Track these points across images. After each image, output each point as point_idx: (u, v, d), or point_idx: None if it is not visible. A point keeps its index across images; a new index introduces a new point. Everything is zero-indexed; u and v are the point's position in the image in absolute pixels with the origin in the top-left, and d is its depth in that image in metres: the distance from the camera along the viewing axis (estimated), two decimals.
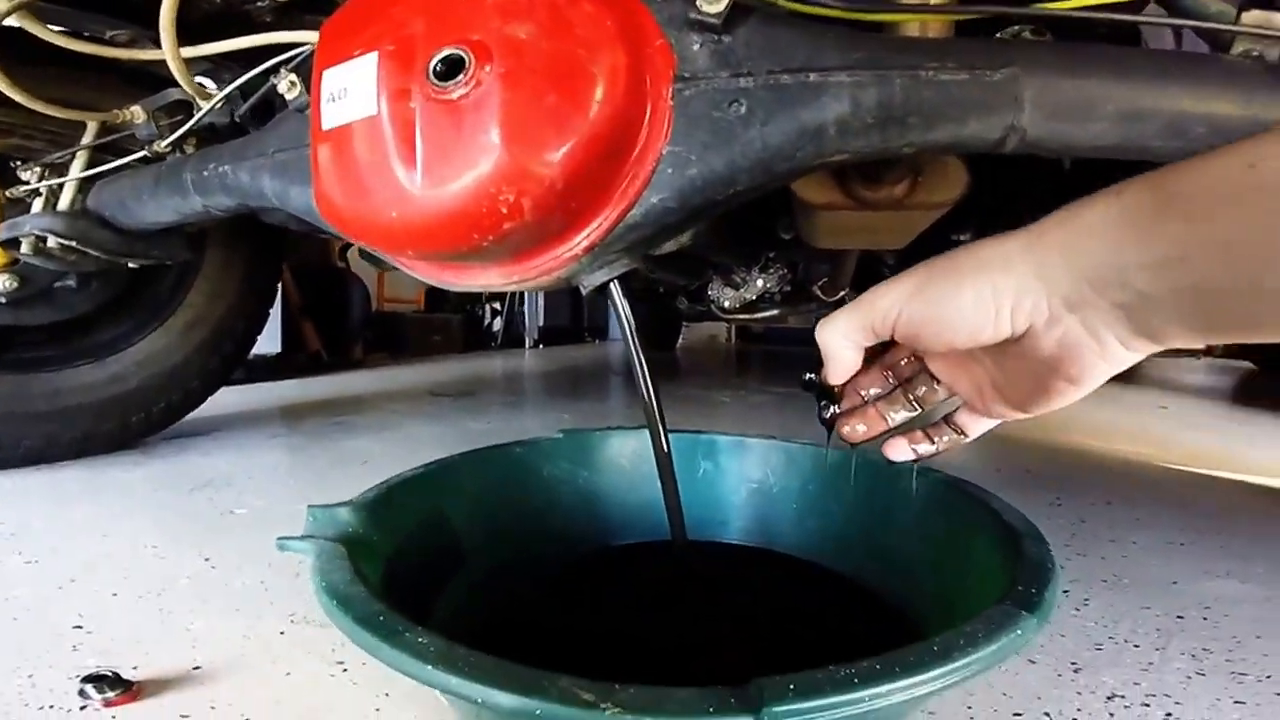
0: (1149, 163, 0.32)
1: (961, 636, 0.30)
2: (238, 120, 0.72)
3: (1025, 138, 0.45)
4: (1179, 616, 0.65)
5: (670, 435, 0.55)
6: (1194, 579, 0.74)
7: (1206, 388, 2.88)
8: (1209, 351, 4.72)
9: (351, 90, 0.42)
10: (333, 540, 0.42)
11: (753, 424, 1.68)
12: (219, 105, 0.69)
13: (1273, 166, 0.24)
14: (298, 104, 0.58)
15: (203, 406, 1.34)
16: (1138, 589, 0.71)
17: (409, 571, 0.49)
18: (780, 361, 3.50)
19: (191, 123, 0.71)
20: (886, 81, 0.44)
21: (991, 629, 0.31)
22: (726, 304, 1.28)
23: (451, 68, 0.40)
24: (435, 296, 3.93)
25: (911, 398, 0.41)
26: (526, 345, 4.05)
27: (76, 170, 0.87)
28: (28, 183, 0.90)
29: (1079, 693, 0.51)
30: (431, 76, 0.40)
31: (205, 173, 0.68)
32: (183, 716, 0.46)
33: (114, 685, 0.48)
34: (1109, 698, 0.50)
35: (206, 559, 0.74)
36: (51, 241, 0.83)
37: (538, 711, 0.27)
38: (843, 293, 1.25)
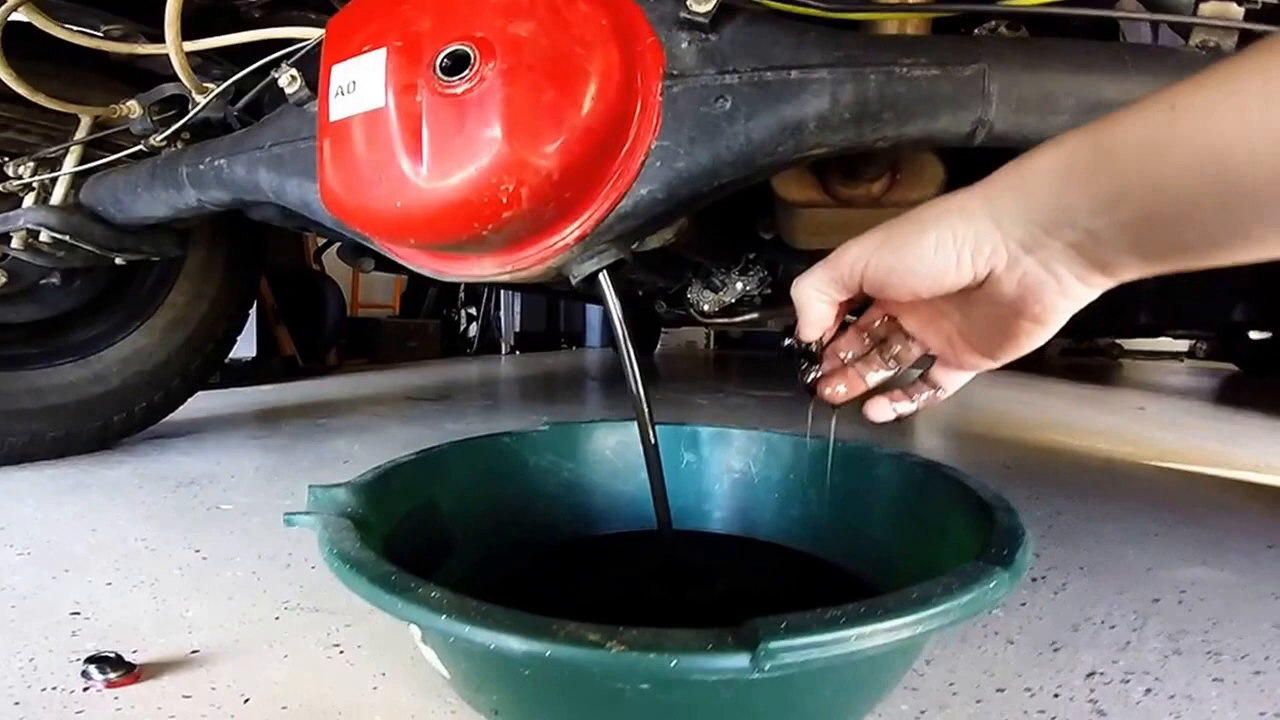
0: None
1: (939, 586, 0.32)
2: (235, 115, 0.73)
3: (993, 131, 0.48)
4: (1155, 600, 0.67)
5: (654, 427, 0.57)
6: (1169, 566, 0.76)
7: (1187, 389, 2.93)
8: (1191, 354, 4.83)
9: (360, 84, 0.44)
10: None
11: (731, 424, 1.70)
12: (214, 100, 0.70)
13: (1187, 104, 0.26)
14: (297, 98, 0.59)
15: (181, 409, 1.34)
16: (1114, 575, 0.73)
17: (403, 554, 0.51)
18: (759, 367, 3.53)
19: (188, 117, 0.72)
20: (863, 78, 0.47)
21: (967, 581, 0.33)
22: (706, 307, 1.29)
23: (457, 63, 0.42)
24: (409, 301, 3.91)
25: (887, 357, 0.43)
26: (503, 351, 4.04)
27: (70, 165, 0.87)
28: (19, 177, 0.90)
29: (1059, 670, 0.52)
30: (438, 71, 0.42)
31: (201, 166, 0.69)
32: (184, 697, 0.47)
33: (116, 667, 0.49)
34: (1088, 675, 0.52)
35: (197, 550, 0.74)
36: (44, 236, 0.84)
37: (548, 653, 0.28)
38: None
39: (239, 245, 1.34)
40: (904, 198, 0.67)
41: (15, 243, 0.88)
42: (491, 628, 0.30)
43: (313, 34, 0.65)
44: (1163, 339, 4.56)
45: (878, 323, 0.44)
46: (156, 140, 0.76)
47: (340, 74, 0.45)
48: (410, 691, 0.48)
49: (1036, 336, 0.35)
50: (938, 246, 0.34)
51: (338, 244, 1.33)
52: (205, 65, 0.82)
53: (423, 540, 0.54)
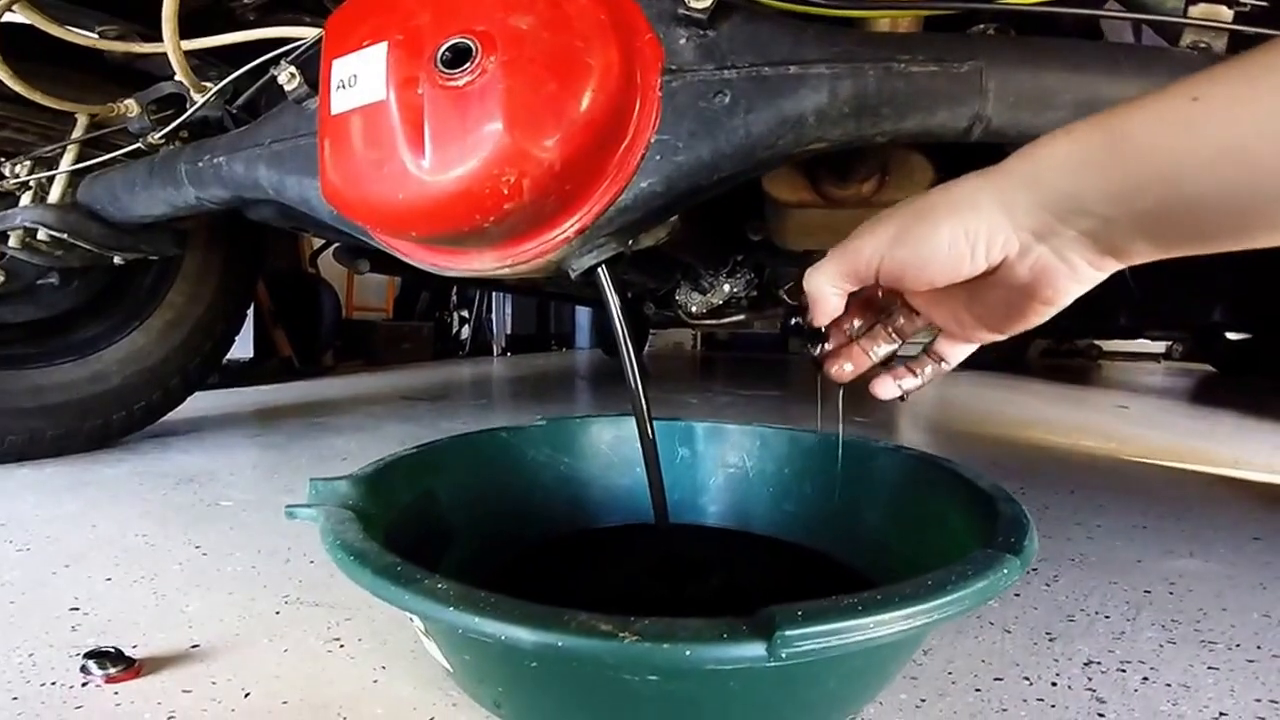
0: None
1: (953, 574, 0.32)
2: (234, 113, 0.73)
3: (989, 126, 0.48)
4: (1146, 591, 0.68)
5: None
6: (1158, 558, 0.77)
7: (1165, 389, 2.96)
8: (1168, 355, 4.88)
9: (361, 78, 0.44)
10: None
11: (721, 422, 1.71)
12: (213, 98, 0.70)
13: (1212, 97, 0.27)
14: (296, 96, 0.59)
15: (180, 409, 1.34)
16: (1104, 567, 0.74)
17: (404, 546, 0.51)
18: (746, 368, 3.54)
19: (187, 115, 0.72)
20: (861, 74, 0.47)
21: (980, 568, 0.33)
22: (694, 309, 1.30)
23: (458, 56, 0.42)
24: (403, 304, 3.92)
25: (891, 330, 0.44)
26: (494, 353, 4.05)
27: (67, 164, 0.87)
28: (16, 176, 0.90)
29: (1056, 660, 0.53)
30: (439, 64, 0.42)
31: (200, 164, 0.70)
32: (184, 691, 0.47)
33: (116, 661, 0.48)
34: (1085, 664, 0.52)
35: (197, 546, 0.74)
36: (42, 234, 0.83)
37: (560, 644, 0.28)
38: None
39: (237, 246, 1.34)
40: (894, 198, 0.68)
41: (12, 241, 0.88)
42: (501, 619, 0.29)
43: (310, 33, 0.65)
44: (1141, 340, 4.60)
45: (882, 294, 0.44)
46: (154, 139, 0.76)
47: (341, 68, 0.45)
48: (411, 685, 0.48)
49: (1045, 314, 0.36)
50: (951, 243, 0.34)
51: (333, 247, 1.33)
52: (201, 67, 0.82)
53: (423, 533, 0.54)
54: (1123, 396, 2.59)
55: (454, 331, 3.99)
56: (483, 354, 3.98)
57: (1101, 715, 0.45)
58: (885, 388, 0.44)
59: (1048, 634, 0.58)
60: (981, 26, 0.52)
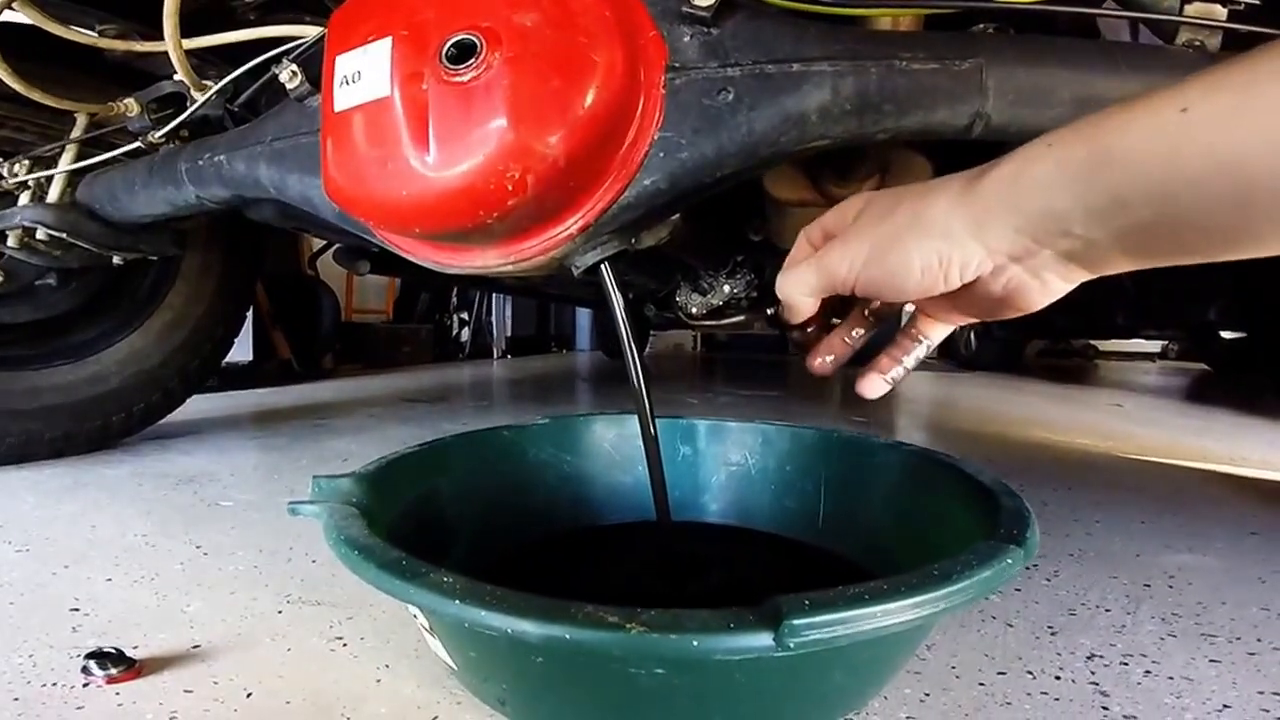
0: None
1: (958, 564, 0.32)
2: (234, 112, 0.73)
3: (990, 124, 0.48)
4: (1145, 585, 0.68)
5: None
6: (1156, 553, 0.78)
7: (1160, 388, 2.98)
8: (1163, 355, 4.90)
9: (365, 74, 0.44)
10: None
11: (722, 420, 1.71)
12: (214, 97, 0.70)
13: (1203, 110, 0.26)
14: (298, 94, 0.59)
15: (179, 411, 1.34)
16: (1103, 561, 0.75)
17: (407, 543, 0.51)
18: (746, 369, 3.55)
19: (187, 113, 0.72)
20: (864, 71, 0.47)
21: (984, 559, 0.33)
22: (694, 310, 1.30)
23: (463, 52, 0.42)
24: (402, 307, 3.92)
25: (868, 314, 0.44)
26: (494, 355, 4.05)
27: (66, 163, 0.87)
28: (15, 176, 0.90)
29: (1059, 653, 0.53)
30: (444, 60, 0.42)
31: (200, 162, 0.70)
32: (186, 691, 0.46)
33: (117, 662, 0.48)
34: (1088, 657, 0.53)
35: (198, 546, 0.74)
36: (40, 234, 0.83)
37: (567, 636, 0.28)
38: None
39: (236, 248, 1.34)
40: None
41: (11, 241, 0.88)
42: (507, 612, 0.29)
43: (311, 32, 0.65)
44: (1136, 340, 4.62)
45: None
46: (154, 138, 0.76)
47: (345, 64, 0.45)
48: (415, 683, 0.48)
49: (1019, 314, 0.36)
50: (924, 269, 0.34)
51: (333, 249, 1.33)
52: (201, 66, 0.82)
53: (426, 531, 0.54)
54: (1118, 395, 2.61)
55: (454, 334, 3.98)
56: (483, 356, 3.98)
57: (1106, 709, 0.46)
58: (873, 385, 0.43)
59: (1049, 628, 0.58)
60: (981, 26, 0.53)
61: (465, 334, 3.98)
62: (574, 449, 0.71)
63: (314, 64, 0.55)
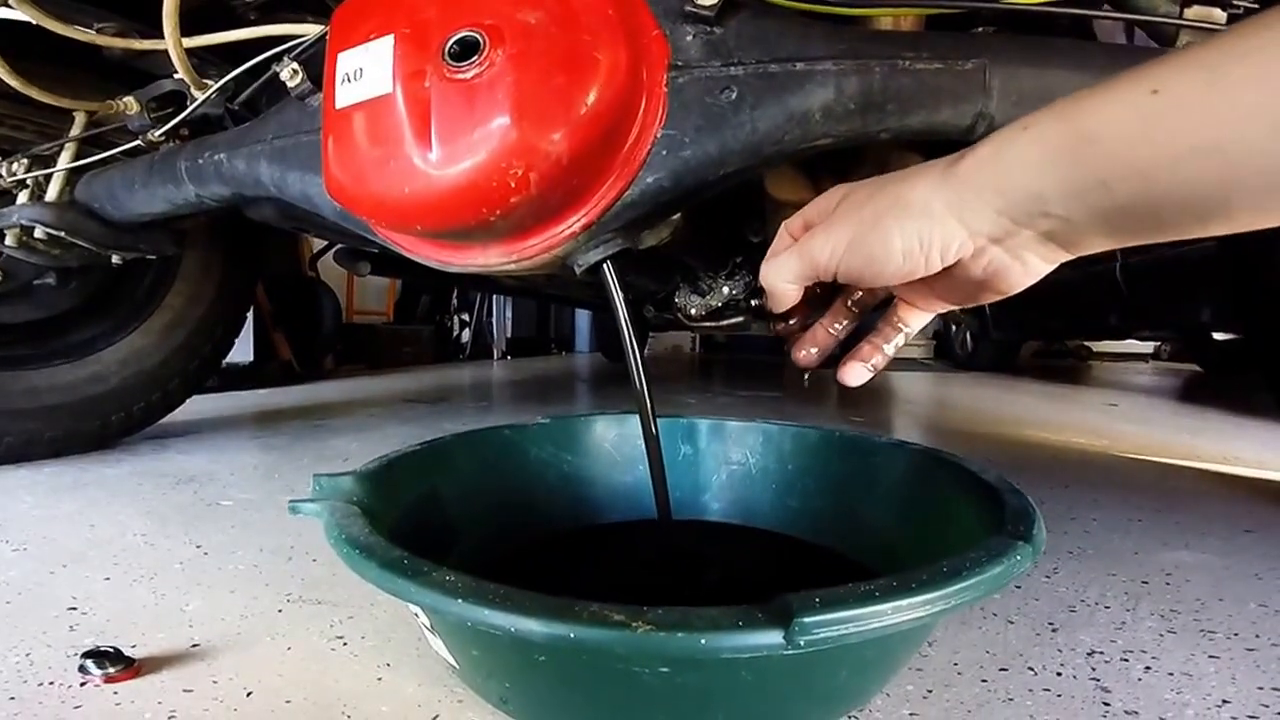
0: None
1: (967, 560, 0.32)
2: (234, 110, 0.73)
3: (993, 124, 0.48)
4: (1144, 582, 0.69)
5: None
6: (1154, 550, 0.78)
7: (1154, 388, 2.99)
8: (1156, 356, 4.92)
9: (367, 71, 0.44)
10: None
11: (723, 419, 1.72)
12: (214, 95, 0.70)
13: (1174, 90, 0.26)
14: (299, 92, 0.59)
15: (179, 411, 1.34)
16: (1102, 559, 0.75)
17: (409, 542, 0.51)
18: (744, 369, 3.55)
19: (187, 111, 0.72)
20: (867, 70, 0.47)
21: (993, 555, 0.33)
22: (693, 311, 1.30)
23: (466, 50, 0.42)
24: (403, 308, 3.92)
25: (850, 304, 0.44)
26: (495, 356, 4.05)
27: (64, 162, 0.87)
28: (13, 174, 0.89)
29: (1059, 650, 0.53)
30: (446, 58, 0.42)
31: (200, 161, 0.69)
32: (185, 691, 0.46)
33: (115, 661, 0.48)
34: (1089, 654, 0.53)
35: (197, 546, 0.74)
36: (39, 233, 0.83)
37: (571, 635, 0.28)
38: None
39: (236, 248, 1.34)
40: None
41: (9, 240, 0.88)
42: (511, 611, 0.29)
43: (311, 30, 0.65)
44: (1129, 341, 4.64)
45: None
46: (154, 136, 0.76)
47: (347, 61, 0.45)
48: (416, 682, 0.47)
49: (1000, 297, 0.36)
50: (906, 252, 0.34)
51: (334, 249, 1.33)
52: (201, 64, 0.82)
53: (427, 529, 0.54)
54: (1112, 395, 2.62)
55: (454, 335, 3.99)
56: (483, 357, 3.98)
57: (1107, 704, 0.46)
58: (854, 373, 0.43)
59: (1050, 625, 0.58)
60: (982, 27, 0.53)
61: (466, 335, 3.99)
62: (575, 449, 0.70)
63: (315, 62, 0.55)
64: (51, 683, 0.47)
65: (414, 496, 0.55)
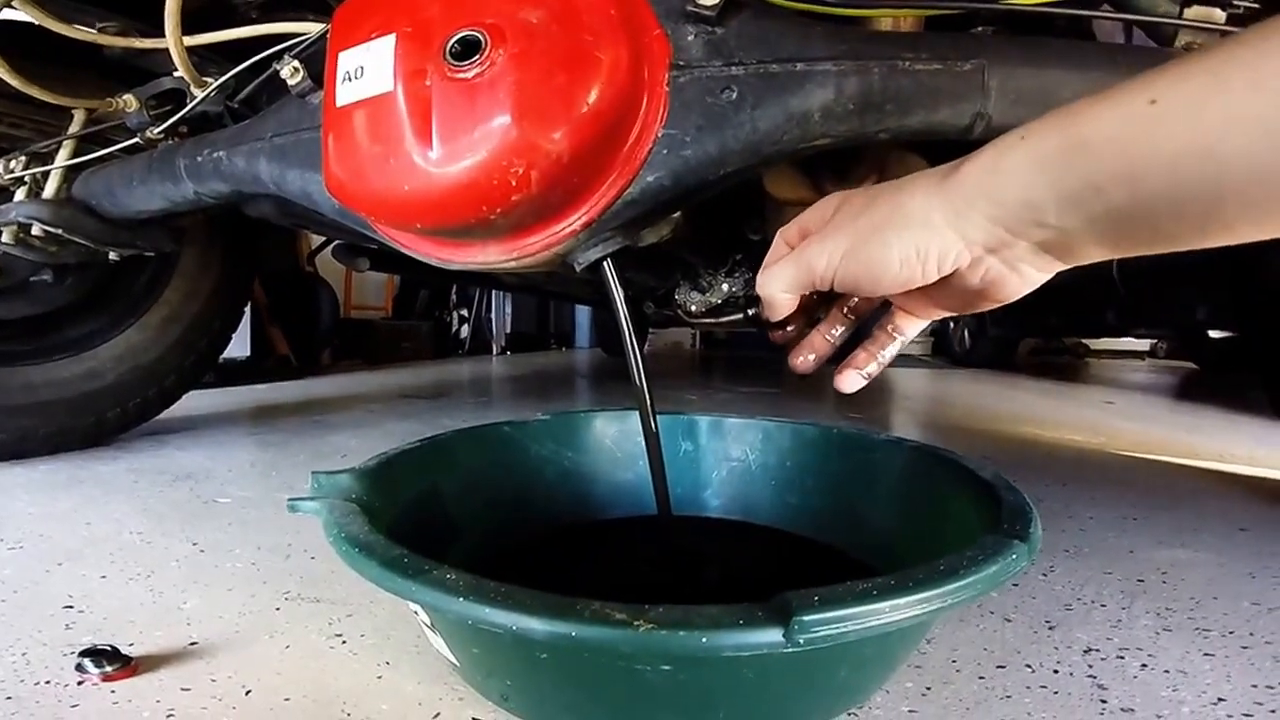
0: None
1: (964, 559, 0.32)
2: (234, 108, 0.73)
3: (991, 124, 0.49)
4: (1139, 580, 0.69)
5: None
6: (1149, 548, 0.79)
7: (1150, 386, 2.99)
8: (1153, 354, 4.93)
9: (368, 69, 0.44)
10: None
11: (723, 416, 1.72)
12: (214, 93, 0.70)
13: (1172, 100, 0.26)
14: (299, 90, 0.59)
15: (176, 407, 1.34)
16: (1098, 557, 0.75)
17: (409, 539, 0.51)
18: (745, 366, 3.55)
19: (187, 109, 0.72)
20: (867, 71, 0.47)
21: (991, 553, 0.33)
22: (693, 308, 1.30)
23: (467, 49, 0.42)
24: (401, 303, 3.91)
25: (847, 310, 0.44)
26: (494, 351, 4.04)
27: (62, 159, 0.87)
28: (11, 171, 0.89)
29: (1056, 647, 0.54)
30: (448, 56, 0.42)
31: (199, 159, 0.69)
32: (183, 689, 0.46)
33: (112, 660, 0.48)
34: (1085, 651, 0.53)
35: (194, 543, 0.74)
36: (36, 229, 0.83)
37: (573, 633, 0.28)
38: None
39: (234, 244, 1.34)
40: None
41: (6, 237, 0.87)
42: (513, 609, 0.29)
43: (312, 29, 0.65)
44: (1126, 339, 4.65)
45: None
46: (153, 134, 0.76)
47: (348, 60, 0.45)
48: (416, 680, 0.47)
49: (996, 305, 0.36)
50: (903, 261, 0.34)
51: (332, 245, 1.33)
52: (201, 63, 0.82)
53: (426, 527, 0.54)
54: (1109, 393, 2.62)
55: (453, 330, 3.98)
56: (482, 353, 3.98)
57: (1104, 701, 0.46)
58: (849, 380, 0.43)
59: (1047, 622, 0.59)
60: (981, 27, 0.53)
61: (465, 331, 3.98)
62: (575, 445, 0.71)
63: (315, 61, 0.55)
64: (49, 682, 0.47)
65: (413, 493, 0.55)
